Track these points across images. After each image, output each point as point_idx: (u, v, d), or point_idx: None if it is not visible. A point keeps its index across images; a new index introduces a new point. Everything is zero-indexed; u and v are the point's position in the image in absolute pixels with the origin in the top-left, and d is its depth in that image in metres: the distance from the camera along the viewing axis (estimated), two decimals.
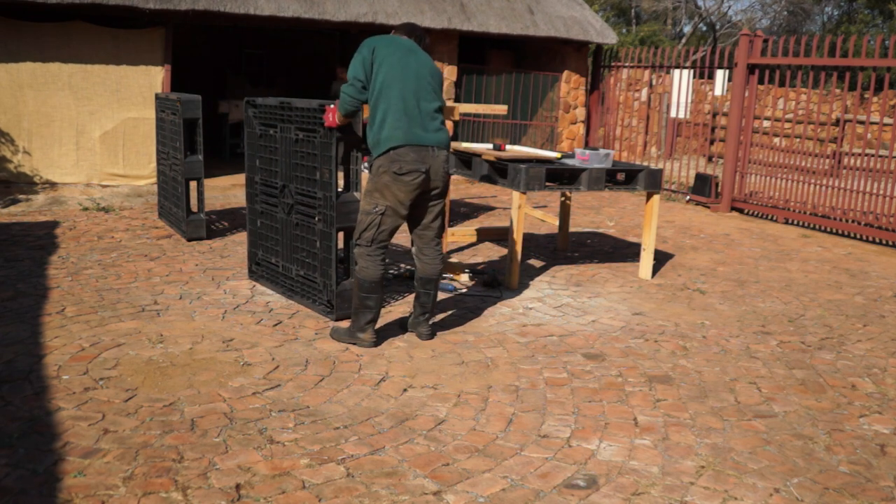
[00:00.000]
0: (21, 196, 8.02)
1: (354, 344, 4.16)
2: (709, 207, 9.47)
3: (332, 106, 4.23)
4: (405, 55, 4.02)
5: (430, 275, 4.23)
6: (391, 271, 5.74)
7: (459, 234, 6.81)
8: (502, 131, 12.08)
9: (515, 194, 5.27)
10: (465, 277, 5.46)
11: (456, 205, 8.49)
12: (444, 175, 4.08)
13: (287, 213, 4.87)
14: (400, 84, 3.94)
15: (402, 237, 7.02)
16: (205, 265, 5.77)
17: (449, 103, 7.39)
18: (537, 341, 4.40)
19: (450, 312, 4.85)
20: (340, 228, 4.49)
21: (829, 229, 8.22)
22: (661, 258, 6.55)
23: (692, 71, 10.35)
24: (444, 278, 5.55)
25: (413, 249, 4.27)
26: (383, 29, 10.29)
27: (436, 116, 4.05)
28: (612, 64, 11.93)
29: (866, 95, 15.41)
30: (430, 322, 4.36)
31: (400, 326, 4.46)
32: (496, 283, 5.33)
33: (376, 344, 4.15)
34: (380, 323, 4.57)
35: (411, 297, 5.10)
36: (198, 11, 8.71)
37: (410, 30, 4.22)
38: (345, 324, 4.41)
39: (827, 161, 9.08)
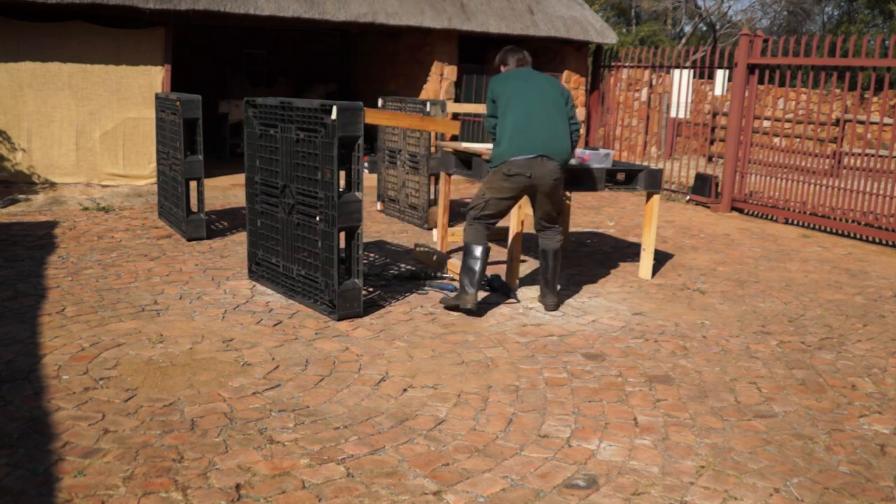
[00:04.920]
0: (21, 196, 8.02)
1: (458, 307, 4.80)
2: (709, 207, 9.47)
3: None
4: (521, 86, 4.80)
5: (545, 247, 5.02)
6: (391, 271, 5.74)
7: (460, 233, 6.81)
8: None
9: None
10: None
11: (456, 205, 8.48)
12: (552, 181, 4.74)
13: (288, 213, 4.87)
14: (516, 109, 4.73)
15: (405, 238, 7.02)
16: (205, 265, 5.77)
17: (448, 103, 7.40)
18: (537, 341, 4.40)
19: (450, 312, 4.85)
20: (342, 228, 4.49)
21: (829, 229, 8.22)
22: (661, 258, 6.55)
23: (692, 71, 10.35)
24: (444, 277, 5.55)
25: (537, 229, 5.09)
26: (383, 29, 10.30)
27: (554, 131, 4.75)
28: (612, 64, 11.93)
29: (866, 95, 15.41)
30: (556, 293, 5.01)
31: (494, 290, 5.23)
32: (507, 289, 5.22)
33: (477, 308, 4.80)
34: (382, 320, 4.58)
35: (412, 297, 5.11)
36: (198, 11, 8.71)
37: (521, 59, 4.99)
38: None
39: (827, 161, 9.08)
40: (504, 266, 5.80)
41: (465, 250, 4.85)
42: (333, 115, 4.33)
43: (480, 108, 8.12)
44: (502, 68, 5.01)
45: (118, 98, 8.66)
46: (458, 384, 3.75)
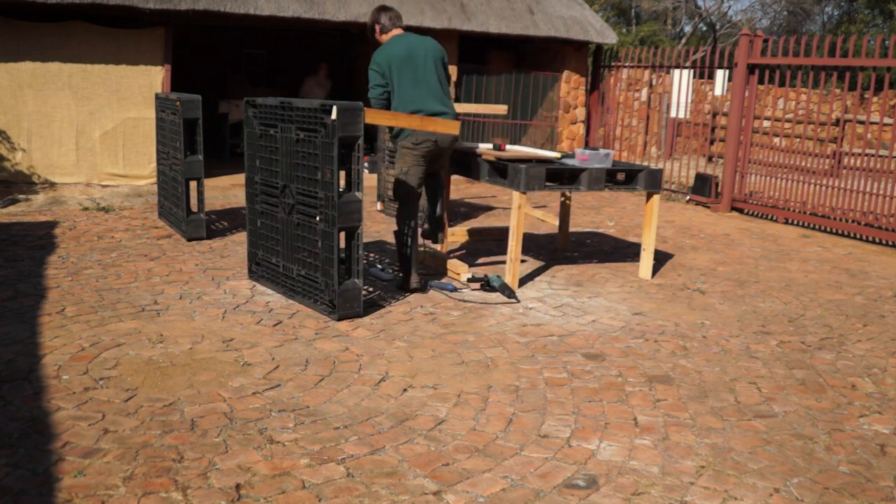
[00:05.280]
0: (21, 196, 8.02)
1: (408, 289, 5.21)
2: (709, 207, 9.47)
3: None
4: (406, 58, 5.12)
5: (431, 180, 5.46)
6: (391, 270, 5.73)
7: (459, 233, 6.81)
8: (502, 131, 12.08)
9: (515, 194, 5.27)
10: (465, 277, 5.45)
11: (456, 205, 8.49)
12: (451, 140, 5.24)
13: (288, 214, 4.87)
14: (407, 80, 5.09)
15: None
16: (205, 265, 5.77)
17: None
18: (537, 341, 4.40)
19: (450, 312, 4.85)
20: (342, 228, 4.49)
21: (829, 229, 8.22)
22: (661, 258, 6.55)
23: (692, 71, 10.35)
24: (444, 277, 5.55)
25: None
26: None
27: (442, 96, 5.19)
28: (612, 64, 11.93)
29: (866, 95, 15.41)
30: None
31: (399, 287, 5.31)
32: (507, 290, 5.21)
33: (422, 285, 5.26)
34: (382, 320, 4.58)
35: (412, 297, 5.11)
36: (198, 11, 8.71)
37: (395, 17, 5.34)
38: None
39: (827, 161, 9.08)
40: (504, 266, 5.80)
41: (397, 239, 5.23)
42: (333, 115, 4.33)
43: (481, 108, 8.13)
44: (378, 29, 5.33)
45: (118, 98, 8.66)
46: (458, 384, 3.75)
